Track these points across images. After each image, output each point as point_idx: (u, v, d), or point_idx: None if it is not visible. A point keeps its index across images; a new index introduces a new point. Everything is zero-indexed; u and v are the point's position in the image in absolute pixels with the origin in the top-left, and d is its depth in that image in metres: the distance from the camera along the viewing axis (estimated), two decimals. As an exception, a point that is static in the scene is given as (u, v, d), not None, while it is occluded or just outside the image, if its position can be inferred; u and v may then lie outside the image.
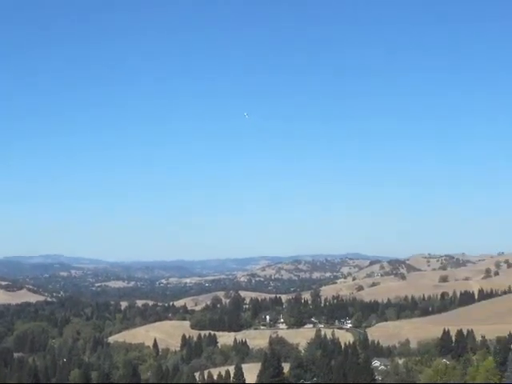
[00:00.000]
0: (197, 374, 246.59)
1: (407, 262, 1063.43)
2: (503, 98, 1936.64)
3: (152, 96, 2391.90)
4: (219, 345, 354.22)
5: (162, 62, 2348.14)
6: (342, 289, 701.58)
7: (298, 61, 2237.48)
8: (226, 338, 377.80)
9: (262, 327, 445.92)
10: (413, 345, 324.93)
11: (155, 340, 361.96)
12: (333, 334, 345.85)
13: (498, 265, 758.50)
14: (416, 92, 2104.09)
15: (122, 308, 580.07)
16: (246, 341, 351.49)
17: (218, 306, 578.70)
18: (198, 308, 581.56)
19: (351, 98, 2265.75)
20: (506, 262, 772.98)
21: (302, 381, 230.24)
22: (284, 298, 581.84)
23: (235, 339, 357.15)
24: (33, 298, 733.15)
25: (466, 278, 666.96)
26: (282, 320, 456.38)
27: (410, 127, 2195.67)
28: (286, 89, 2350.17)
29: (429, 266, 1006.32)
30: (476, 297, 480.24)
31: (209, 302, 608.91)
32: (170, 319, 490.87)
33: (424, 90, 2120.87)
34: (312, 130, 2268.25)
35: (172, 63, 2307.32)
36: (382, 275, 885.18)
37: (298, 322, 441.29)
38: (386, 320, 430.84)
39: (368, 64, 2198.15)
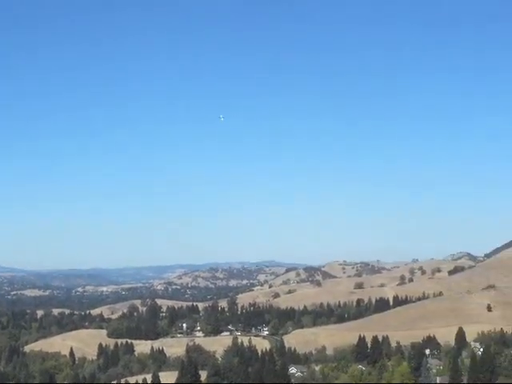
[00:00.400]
0: (114, 383, 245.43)
1: (323, 269, 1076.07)
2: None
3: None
4: (136, 353, 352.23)
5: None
6: (258, 296, 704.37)
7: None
8: (142, 347, 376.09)
9: (178, 335, 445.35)
10: (329, 351, 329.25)
11: (72, 349, 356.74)
12: (250, 342, 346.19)
13: (412, 272, 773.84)
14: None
15: (38, 317, 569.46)
16: (162, 349, 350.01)
17: (135, 314, 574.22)
18: (114, 316, 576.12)
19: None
20: (420, 268, 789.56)
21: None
22: (201, 305, 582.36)
23: (152, 347, 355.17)
24: None
25: (381, 285, 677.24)
26: (198, 328, 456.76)
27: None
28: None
29: (344, 273, 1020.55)
30: (391, 303, 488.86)
31: (125, 311, 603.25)
32: (87, 328, 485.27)
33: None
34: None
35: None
36: (298, 282, 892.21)
37: (214, 330, 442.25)
38: (303, 327, 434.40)
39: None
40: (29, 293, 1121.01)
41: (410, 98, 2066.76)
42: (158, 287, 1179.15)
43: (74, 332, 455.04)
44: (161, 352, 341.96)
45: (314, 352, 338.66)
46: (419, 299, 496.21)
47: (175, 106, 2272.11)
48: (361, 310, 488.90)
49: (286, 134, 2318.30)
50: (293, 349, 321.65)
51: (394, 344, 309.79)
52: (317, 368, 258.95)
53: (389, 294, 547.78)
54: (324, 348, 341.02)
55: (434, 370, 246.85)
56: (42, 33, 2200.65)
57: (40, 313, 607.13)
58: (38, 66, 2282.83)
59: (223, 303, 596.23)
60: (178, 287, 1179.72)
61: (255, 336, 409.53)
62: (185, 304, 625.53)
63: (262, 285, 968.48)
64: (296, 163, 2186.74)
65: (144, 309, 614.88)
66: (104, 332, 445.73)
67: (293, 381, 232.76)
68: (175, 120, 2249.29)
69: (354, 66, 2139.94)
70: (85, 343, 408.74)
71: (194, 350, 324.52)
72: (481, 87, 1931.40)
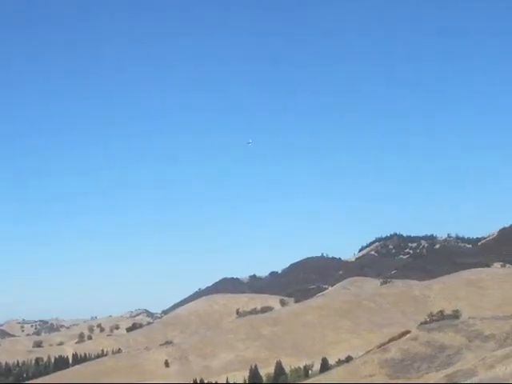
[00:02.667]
0: None
1: (1, 327, 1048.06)
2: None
3: None
4: None
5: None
6: None
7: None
8: None
9: None
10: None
11: None
12: None
13: (91, 329, 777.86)
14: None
15: None
16: None
17: None
18: None
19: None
20: (99, 326, 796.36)
21: None
22: None
23: None
24: None
25: (61, 343, 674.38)
26: None
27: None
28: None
29: (23, 331, 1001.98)
30: (70, 361, 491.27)
31: None
32: None
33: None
34: None
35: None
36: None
37: None
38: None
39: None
40: None
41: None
42: None
43: None
44: None
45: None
46: (98, 356, 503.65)
47: None
48: (40, 369, 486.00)
49: None
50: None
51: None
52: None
53: (68, 351, 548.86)
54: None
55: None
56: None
57: None
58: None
59: None
60: None
61: None
62: None
63: None
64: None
65: None
66: None
67: None
68: None
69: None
70: None
71: None
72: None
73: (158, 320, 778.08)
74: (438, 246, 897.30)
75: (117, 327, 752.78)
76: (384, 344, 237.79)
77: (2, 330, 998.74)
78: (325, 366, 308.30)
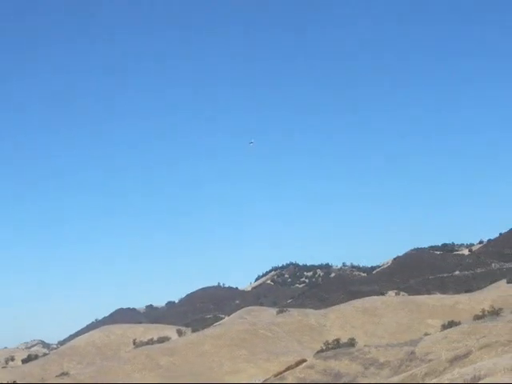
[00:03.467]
0: None
1: None
2: None
3: None
4: None
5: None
6: None
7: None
8: None
9: None
10: None
11: None
12: None
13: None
14: None
15: None
16: None
17: None
18: None
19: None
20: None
21: None
22: None
23: None
24: None
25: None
26: None
27: None
28: None
29: None
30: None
31: None
32: None
33: None
34: None
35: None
36: None
37: None
38: None
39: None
40: None
41: None
42: None
43: None
44: None
45: None
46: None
47: None
48: None
49: None
50: None
51: None
52: None
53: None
54: None
55: None
56: None
57: None
58: None
59: None
60: None
61: None
62: None
63: None
64: None
65: None
66: None
67: None
68: None
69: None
70: None
71: None
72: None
73: (54, 351, 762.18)
74: (333, 275, 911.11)
75: (12, 359, 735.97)
76: (281, 373, 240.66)
77: None
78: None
